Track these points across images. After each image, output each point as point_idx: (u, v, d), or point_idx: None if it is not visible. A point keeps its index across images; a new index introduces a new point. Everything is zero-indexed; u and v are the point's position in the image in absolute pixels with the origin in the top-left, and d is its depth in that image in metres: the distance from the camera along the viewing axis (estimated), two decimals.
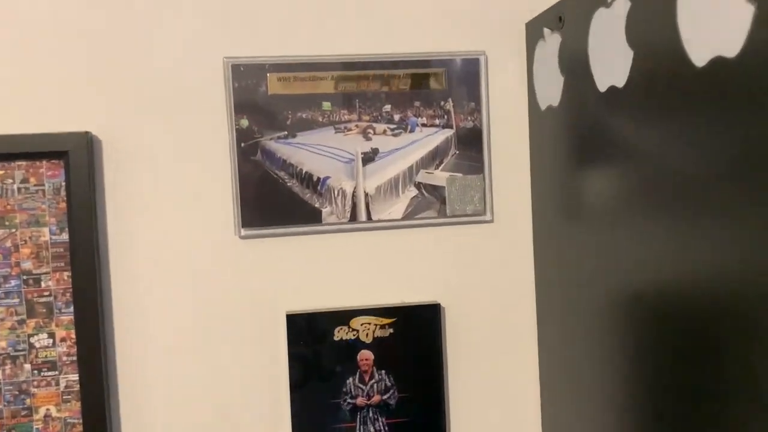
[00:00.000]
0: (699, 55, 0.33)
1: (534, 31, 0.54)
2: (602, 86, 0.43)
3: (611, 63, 0.41)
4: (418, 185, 0.55)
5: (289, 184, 0.53)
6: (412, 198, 0.55)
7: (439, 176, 0.55)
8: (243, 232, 0.53)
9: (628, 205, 0.42)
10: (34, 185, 0.50)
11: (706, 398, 0.34)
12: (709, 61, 0.32)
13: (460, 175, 0.55)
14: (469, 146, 0.55)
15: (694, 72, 0.33)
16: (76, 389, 0.51)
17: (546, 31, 0.51)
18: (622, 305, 0.43)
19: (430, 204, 0.55)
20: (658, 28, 0.36)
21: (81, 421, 0.51)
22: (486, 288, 0.57)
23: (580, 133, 0.48)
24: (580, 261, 0.49)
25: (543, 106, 0.53)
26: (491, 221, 0.56)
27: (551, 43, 0.50)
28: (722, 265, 0.33)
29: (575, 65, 0.47)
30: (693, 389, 0.36)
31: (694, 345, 0.35)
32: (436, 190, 0.55)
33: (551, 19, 0.50)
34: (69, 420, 0.51)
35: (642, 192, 0.40)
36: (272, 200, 0.53)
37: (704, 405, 0.35)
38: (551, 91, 0.51)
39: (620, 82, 0.41)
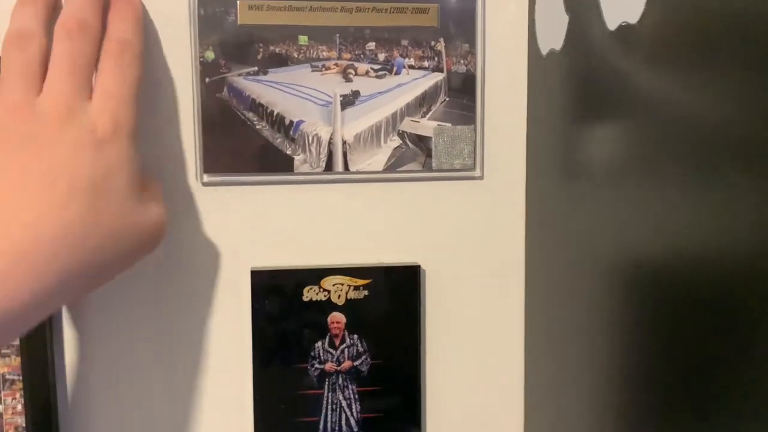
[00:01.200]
0: None
1: None
2: (612, 24, 0.37)
3: None
4: (401, 134, 0.50)
5: (258, 126, 0.48)
6: (394, 149, 0.50)
7: (425, 125, 0.50)
8: (205, 178, 0.48)
9: (636, 163, 0.36)
10: None
11: (711, 371, 0.30)
12: None
13: (449, 125, 0.50)
14: (461, 93, 0.50)
15: (722, 2, 0.28)
16: (15, 343, 0.46)
17: None
18: (620, 272, 0.39)
19: (415, 156, 0.50)
20: None
21: (20, 377, 0.47)
22: (471, 250, 0.52)
23: (584, 80, 0.42)
24: (577, 224, 0.44)
25: (544, 51, 0.47)
26: (481, 178, 0.51)
27: None
28: (736, 231, 0.28)
29: (582, 1, 0.41)
30: (695, 361, 0.31)
31: (701, 315, 0.31)
32: (421, 141, 0.50)
33: None
34: (8, 376, 0.47)
35: (652, 148, 0.35)
36: (239, 144, 0.48)
37: (710, 378, 0.30)
38: (554, 33, 0.45)
39: (634, 17, 0.35)
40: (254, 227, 0.49)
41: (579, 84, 0.43)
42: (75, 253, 0.37)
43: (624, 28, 0.36)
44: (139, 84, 0.42)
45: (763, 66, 0.26)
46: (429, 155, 0.50)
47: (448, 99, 0.50)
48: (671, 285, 0.33)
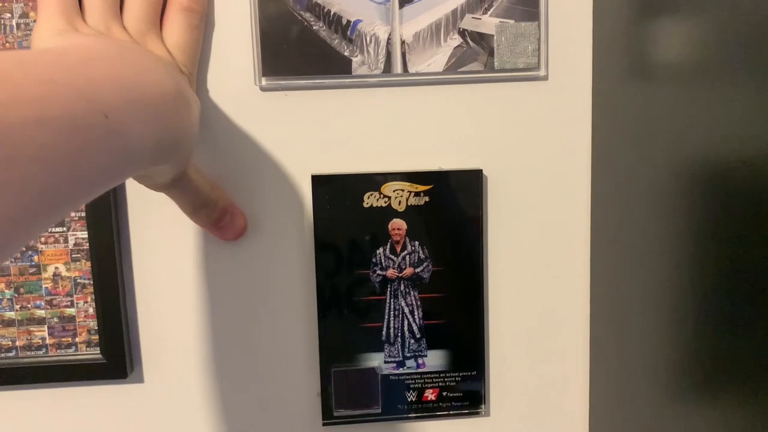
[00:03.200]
0: None
1: None
2: None
3: None
4: (462, 33, 0.48)
5: (315, 27, 0.47)
6: (455, 48, 0.48)
7: (487, 22, 0.48)
8: (264, 82, 0.47)
9: (709, 63, 0.34)
10: (35, 20, 0.45)
11: None
12: None
13: (511, 21, 0.48)
14: None
15: None
16: (85, 248, 0.47)
17: None
18: (690, 174, 0.37)
19: (476, 55, 0.48)
20: None
21: (92, 281, 0.48)
22: (535, 154, 0.50)
23: None
24: (647, 127, 0.42)
25: None
26: (545, 78, 0.49)
27: None
28: None
29: None
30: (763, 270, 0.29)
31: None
32: (483, 39, 0.48)
33: None
34: (79, 280, 0.48)
35: (727, 46, 0.32)
36: (296, 46, 0.47)
37: None
38: None
39: None
40: (313, 132, 0.49)
41: None
42: (193, 125, 0.40)
43: None
44: (201, 41, 0.46)
45: None
46: (491, 54, 0.48)
47: None
48: (741, 186, 0.31)
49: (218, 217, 0.47)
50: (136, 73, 0.36)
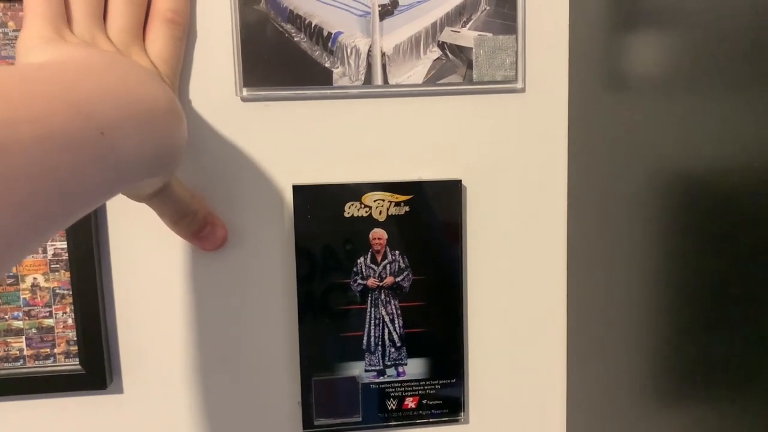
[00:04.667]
0: None
1: None
2: None
3: None
4: (441, 45, 0.49)
5: (296, 39, 0.47)
6: (434, 60, 0.49)
7: (466, 36, 0.49)
8: (245, 92, 0.48)
9: (684, 75, 0.35)
10: (14, 30, 0.45)
11: (753, 285, 0.29)
12: None
13: (490, 35, 0.49)
14: (503, 1, 0.48)
15: None
16: (64, 258, 0.47)
17: None
18: (664, 184, 0.38)
19: (455, 67, 0.49)
20: None
21: (71, 291, 0.47)
22: (513, 165, 0.51)
23: None
24: (622, 137, 0.43)
25: None
26: (523, 90, 0.50)
27: None
28: None
29: None
30: (737, 276, 0.30)
31: (744, 230, 0.30)
32: (462, 52, 0.49)
33: None
34: (58, 290, 0.48)
35: (702, 59, 0.33)
36: (277, 57, 0.47)
37: (753, 294, 0.29)
38: None
39: None
40: (294, 143, 0.49)
41: None
42: (183, 135, 0.40)
43: None
44: (183, 54, 0.46)
45: None
46: (470, 67, 0.49)
47: (488, 8, 0.49)
48: (715, 195, 0.32)
49: (199, 227, 0.47)
50: (130, 88, 0.36)
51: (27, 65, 0.36)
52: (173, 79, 0.45)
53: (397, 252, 0.50)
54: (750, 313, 0.31)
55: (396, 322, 0.51)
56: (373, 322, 0.51)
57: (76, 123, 0.30)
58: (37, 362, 0.48)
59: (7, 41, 0.45)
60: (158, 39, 0.44)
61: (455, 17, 0.49)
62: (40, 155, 0.27)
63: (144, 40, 0.44)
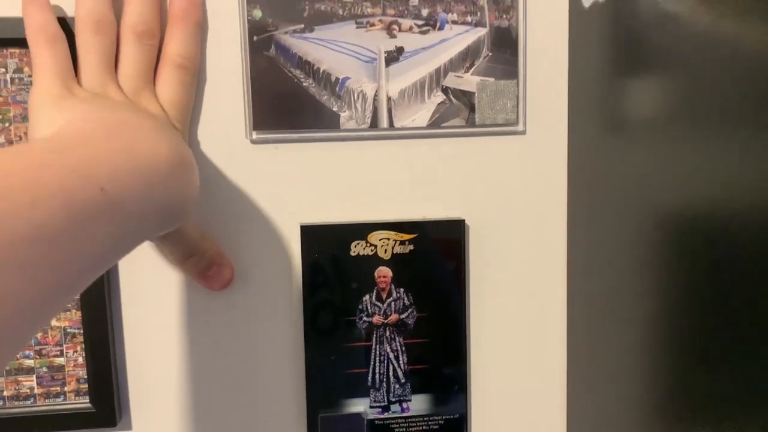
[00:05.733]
0: None
1: None
2: None
3: None
4: (445, 90, 0.50)
5: (305, 84, 0.49)
6: (438, 104, 0.50)
7: (469, 80, 0.50)
8: (254, 135, 0.49)
9: (679, 118, 0.37)
10: (29, 76, 0.46)
11: (753, 319, 0.31)
12: None
13: (492, 80, 0.50)
14: (504, 48, 0.50)
15: None
16: (76, 298, 0.48)
17: None
18: (662, 224, 0.39)
19: (458, 111, 0.51)
20: None
21: (81, 331, 0.48)
22: (515, 205, 0.52)
23: (628, 34, 0.43)
24: (620, 178, 0.45)
25: (587, 3, 0.48)
26: (524, 133, 0.52)
27: None
28: None
29: None
30: (742, 323, 0.32)
31: (745, 274, 0.31)
32: (465, 96, 0.51)
33: None
34: (69, 330, 0.48)
35: (697, 104, 0.35)
36: (286, 101, 0.49)
37: (751, 326, 0.31)
38: None
39: None
40: (302, 183, 0.50)
41: (622, 37, 0.44)
42: (192, 185, 0.42)
43: None
44: (193, 99, 0.47)
45: None
46: (472, 110, 0.51)
47: (490, 54, 0.50)
48: (713, 235, 0.34)
49: (206, 266, 0.48)
50: (133, 144, 0.37)
51: (24, 143, 0.37)
52: (183, 123, 0.46)
53: (401, 290, 0.51)
54: (748, 349, 0.32)
55: (400, 358, 0.52)
56: (378, 358, 0.52)
57: (72, 182, 0.30)
58: (47, 400, 0.48)
59: (23, 86, 0.46)
60: (168, 84, 0.45)
61: (458, 63, 0.50)
62: (37, 217, 0.28)
63: (155, 84, 0.45)
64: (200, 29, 0.47)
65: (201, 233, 0.47)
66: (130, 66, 0.44)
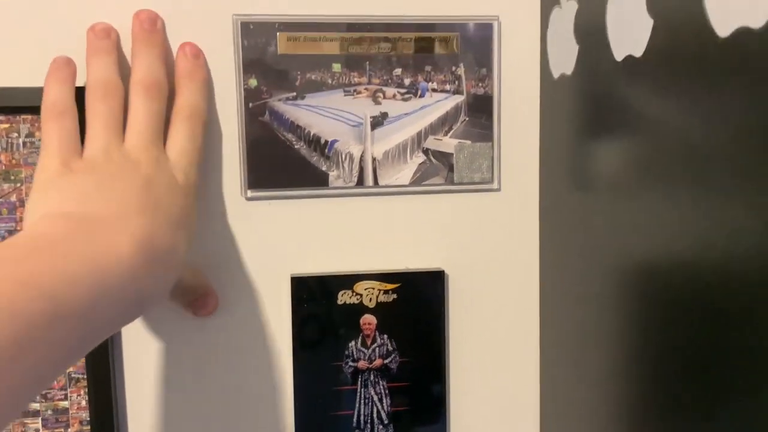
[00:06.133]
0: (723, 24, 0.32)
1: None
2: (619, 55, 0.42)
3: (629, 32, 0.41)
4: (426, 151, 0.55)
5: (296, 146, 0.53)
6: (419, 164, 0.55)
7: (447, 143, 0.55)
8: (249, 193, 0.53)
9: (640, 177, 0.41)
10: (39, 139, 0.50)
11: (717, 376, 0.35)
12: (733, 32, 0.31)
13: (468, 142, 0.55)
14: (480, 113, 0.55)
15: (716, 42, 0.33)
16: None
17: None
18: (626, 276, 0.43)
19: (438, 171, 0.55)
20: None
21: (85, 375, 0.51)
22: (490, 257, 0.56)
23: (593, 103, 0.47)
24: (587, 232, 0.49)
25: (556, 74, 0.52)
26: (498, 190, 0.56)
27: (567, 9, 0.49)
28: (733, 240, 0.32)
29: (591, 33, 0.46)
30: (703, 367, 0.36)
31: (706, 321, 0.35)
32: (444, 157, 0.55)
33: None
34: (74, 375, 0.52)
35: (655, 164, 0.39)
36: (279, 162, 0.53)
37: (715, 384, 0.35)
38: (565, 59, 0.50)
39: (638, 51, 0.40)
40: (293, 237, 0.54)
41: (588, 105, 0.48)
42: (166, 269, 0.42)
43: (629, 60, 0.41)
44: (203, 147, 0.49)
45: (742, 91, 0.31)
46: (451, 170, 0.55)
47: (467, 119, 0.55)
48: (675, 287, 0.38)
49: (194, 298, 0.51)
50: (94, 245, 0.37)
51: None
52: (192, 172, 0.47)
53: (385, 336, 0.55)
54: (719, 400, 0.36)
55: (384, 401, 0.55)
56: (363, 401, 0.55)
57: (20, 294, 0.30)
58: None
59: (33, 149, 0.50)
60: (178, 134, 0.47)
61: (438, 127, 0.54)
62: None
63: (167, 137, 0.47)
64: (207, 85, 0.50)
65: (193, 272, 0.51)
66: (139, 120, 0.45)
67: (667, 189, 0.38)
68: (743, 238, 0.32)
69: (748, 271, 0.32)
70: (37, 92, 0.48)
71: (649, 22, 0.39)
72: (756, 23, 0.30)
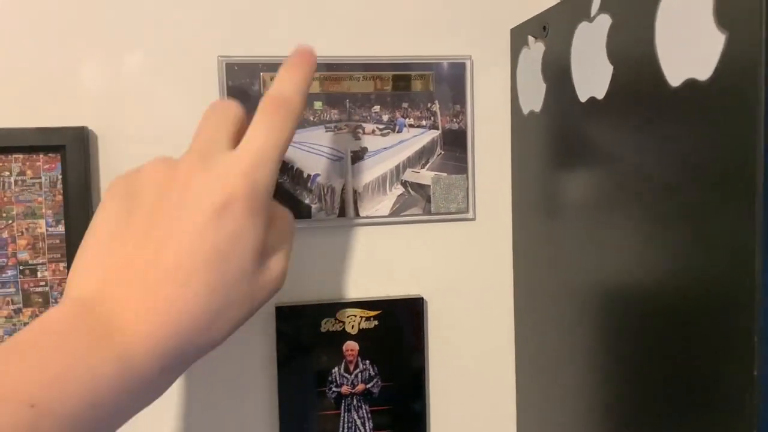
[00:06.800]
0: (674, 75, 0.36)
1: (518, 38, 0.56)
2: (583, 97, 0.45)
3: (592, 75, 0.44)
4: (404, 183, 0.57)
5: (280, 180, 0.55)
6: (398, 196, 0.57)
7: (424, 175, 0.57)
8: None
9: (602, 207, 0.44)
10: (31, 178, 0.51)
11: (676, 392, 0.37)
12: (683, 82, 0.35)
13: (444, 174, 0.58)
14: (454, 147, 0.58)
15: (668, 91, 0.36)
16: None
17: (530, 39, 0.53)
18: (593, 302, 0.46)
19: (416, 201, 0.57)
20: (637, 46, 0.39)
21: None
22: (467, 283, 0.59)
23: (559, 139, 0.50)
24: (556, 259, 0.52)
25: (525, 111, 0.55)
26: (473, 219, 0.59)
27: (535, 50, 0.53)
28: (685, 264, 0.35)
29: (558, 74, 0.49)
30: (663, 383, 0.39)
31: (663, 340, 0.38)
32: (421, 189, 0.57)
33: (536, 27, 0.52)
34: None
35: (615, 195, 0.42)
36: None
37: (673, 399, 0.38)
38: (534, 97, 0.53)
39: (600, 94, 0.43)
40: None
41: (555, 140, 0.51)
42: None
43: (592, 101, 0.44)
44: (287, 144, 0.39)
45: (690, 135, 0.34)
46: (428, 201, 0.57)
47: (443, 152, 0.57)
48: (634, 306, 0.41)
49: None
50: (73, 350, 0.32)
51: None
52: (263, 173, 0.37)
53: (367, 361, 0.57)
54: (680, 410, 0.39)
55: (366, 425, 0.57)
56: (346, 425, 0.57)
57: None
58: None
59: (24, 187, 0.51)
60: (252, 132, 0.39)
61: (415, 160, 0.57)
62: None
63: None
64: (310, 74, 0.42)
65: None
66: (202, 130, 0.40)
67: (625, 218, 0.41)
68: (692, 264, 0.35)
69: (694, 295, 0.35)
70: (28, 132, 0.50)
71: (609, 68, 0.42)
72: (703, 76, 0.33)
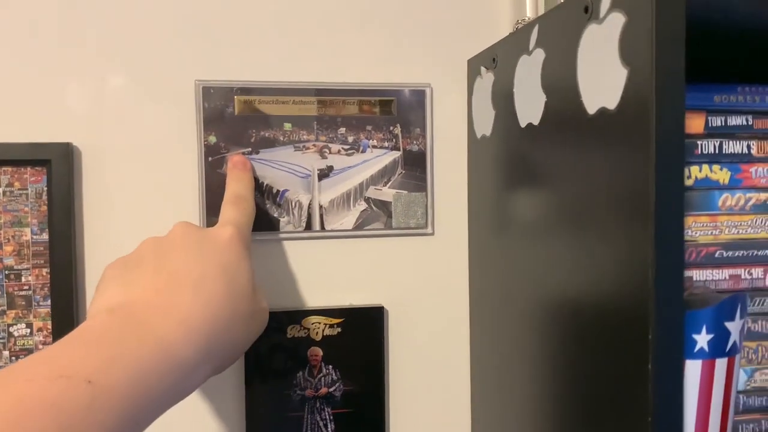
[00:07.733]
0: (591, 104, 0.40)
1: (474, 68, 0.61)
2: (523, 122, 0.50)
3: (530, 103, 0.49)
4: (367, 200, 0.62)
5: None
6: (362, 211, 0.61)
7: (386, 193, 0.62)
8: None
9: (541, 225, 0.49)
10: (18, 189, 0.55)
11: (608, 394, 0.41)
12: (597, 111, 0.39)
13: (405, 192, 0.62)
14: (414, 167, 0.62)
15: (587, 118, 0.41)
16: None
17: (482, 69, 0.58)
18: (535, 311, 0.50)
19: (378, 217, 0.62)
20: (564, 78, 0.43)
21: None
22: (425, 294, 0.63)
23: (506, 161, 0.55)
24: (506, 272, 0.56)
25: (479, 135, 0.60)
26: (432, 234, 0.63)
27: (486, 80, 0.58)
28: (612, 278, 0.40)
29: (504, 102, 0.54)
30: (598, 386, 0.43)
31: (600, 349, 0.42)
32: (383, 205, 0.62)
33: (487, 59, 0.57)
34: None
35: (554, 213, 0.47)
36: None
37: (610, 401, 0.42)
38: (485, 122, 0.58)
39: (536, 120, 0.48)
40: None
41: (503, 162, 0.56)
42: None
43: (530, 127, 0.49)
44: (252, 219, 0.54)
45: (605, 157, 0.38)
46: (389, 216, 0.62)
47: (404, 171, 0.62)
48: (575, 316, 0.45)
49: None
50: (118, 339, 0.38)
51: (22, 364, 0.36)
52: (244, 232, 0.51)
53: (330, 366, 0.61)
54: (621, 414, 0.43)
55: (329, 426, 0.61)
56: (309, 427, 0.60)
57: (57, 385, 0.32)
58: None
59: (12, 197, 0.55)
60: (227, 210, 0.53)
61: (378, 178, 0.62)
62: (29, 428, 0.30)
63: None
64: (252, 177, 0.57)
65: None
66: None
67: (563, 234, 0.45)
68: (620, 277, 0.39)
69: (624, 306, 0.39)
70: (17, 147, 0.55)
71: (542, 97, 0.47)
72: (611, 105, 0.38)
